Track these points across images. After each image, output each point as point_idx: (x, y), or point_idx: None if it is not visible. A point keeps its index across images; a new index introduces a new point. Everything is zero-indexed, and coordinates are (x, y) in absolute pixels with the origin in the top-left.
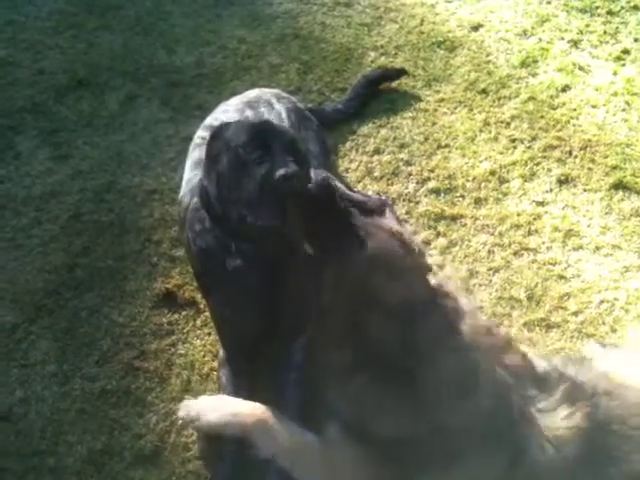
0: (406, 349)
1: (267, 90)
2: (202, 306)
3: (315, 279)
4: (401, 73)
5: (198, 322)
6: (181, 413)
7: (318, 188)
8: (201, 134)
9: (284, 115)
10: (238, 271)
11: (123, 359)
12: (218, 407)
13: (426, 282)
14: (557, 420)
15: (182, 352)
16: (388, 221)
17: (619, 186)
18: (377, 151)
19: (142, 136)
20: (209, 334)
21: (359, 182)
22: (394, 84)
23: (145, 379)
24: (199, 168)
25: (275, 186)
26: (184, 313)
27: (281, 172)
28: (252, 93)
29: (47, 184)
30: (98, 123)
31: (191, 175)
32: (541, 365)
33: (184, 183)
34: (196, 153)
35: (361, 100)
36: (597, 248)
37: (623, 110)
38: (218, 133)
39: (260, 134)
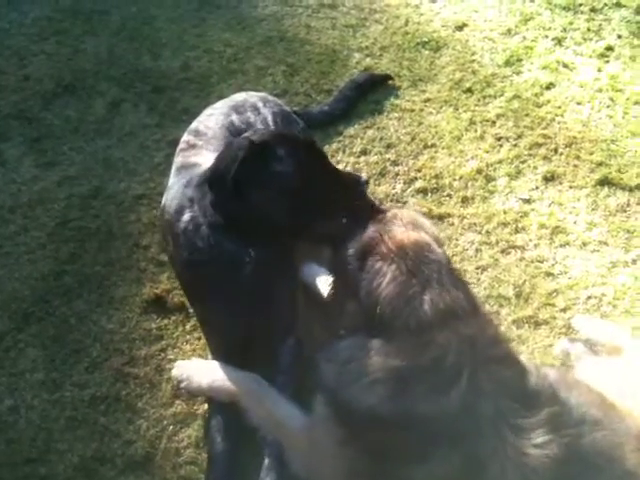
0: (414, 307)
1: (253, 93)
2: (191, 311)
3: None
4: (387, 78)
5: (188, 327)
6: (174, 373)
7: None
8: (186, 139)
9: (270, 119)
10: (233, 279)
11: (113, 365)
12: (210, 371)
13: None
14: (530, 445)
15: (172, 357)
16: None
17: (605, 182)
18: (364, 152)
19: (129, 141)
20: (199, 339)
21: None
22: (378, 87)
23: (135, 385)
24: (182, 174)
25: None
26: (173, 318)
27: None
28: (238, 97)
29: (34, 191)
30: (84, 129)
31: (174, 181)
32: (534, 380)
33: (167, 189)
34: (179, 158)
35: (347, 102)
36: (584, 244)
37: (608, 106)
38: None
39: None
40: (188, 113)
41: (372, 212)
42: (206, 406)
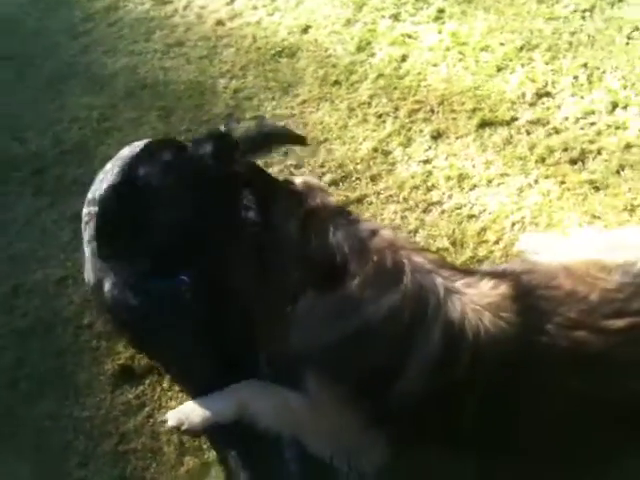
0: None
1: (137, 143)
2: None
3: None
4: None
5: (165, 384)
6: (170, 423)
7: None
8: (86, 211)
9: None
10: (179, 313)
11: (106, 450)
12: (205, 401)
13: None
14: (485, 290)
15: (163, 418)
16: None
17: (484, 124)
18: (266, 165)
19: (28, 231)
20: (181, 391)
21: None
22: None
23: (137, 459)
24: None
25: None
26: (147, 381)
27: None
28: (124, 152)
29: None
30: None
31: (87, 255)
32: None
33: (85, 263)
34: (87, 232)
35: None
36: (489, 182)
37: (460, 60)
38: (112, 200)
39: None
40: (77, 183)
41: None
42: (214, 453)
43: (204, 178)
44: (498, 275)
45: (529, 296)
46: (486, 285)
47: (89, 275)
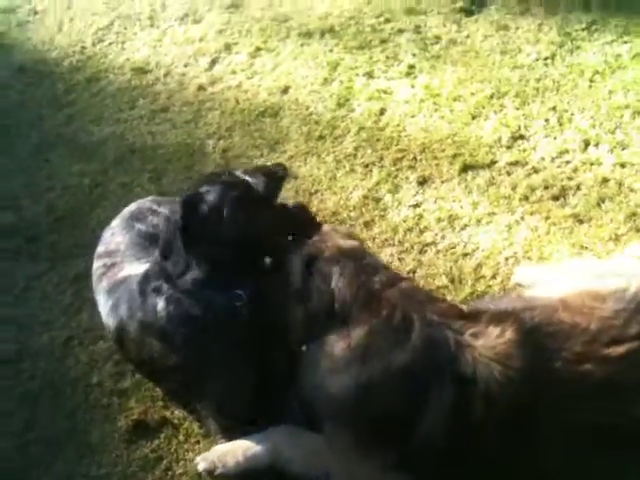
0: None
1: (142, 200)
2: (176, 420)
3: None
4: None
5: (181, 437)
6: (202, 467)
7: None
8: (100, 264)
9: (170, 215)
10: (233, 329)
11: None
12: (238, 445)
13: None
14: (492, 339)
15: (181, 471)
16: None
17: (466, 168)
18: None
19: (29, 296)
20: (197, 442)
21: None
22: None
23: None
24: (119, 291)
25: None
26: (162, 435)
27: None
28: (131, 207)
29: None
30: None
31: (113, 301)
32: (463, 307)
33: (109, 312)
34: (104, 283)
35: None
36: (478, 221)
37: (435, 110)
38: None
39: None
40: (77, 247)
41: (311, 227)
42: None
43: (255, 206)
44: (502, 318)
45: (534, 336)
46: (493, 333)
47: (130, 310)
